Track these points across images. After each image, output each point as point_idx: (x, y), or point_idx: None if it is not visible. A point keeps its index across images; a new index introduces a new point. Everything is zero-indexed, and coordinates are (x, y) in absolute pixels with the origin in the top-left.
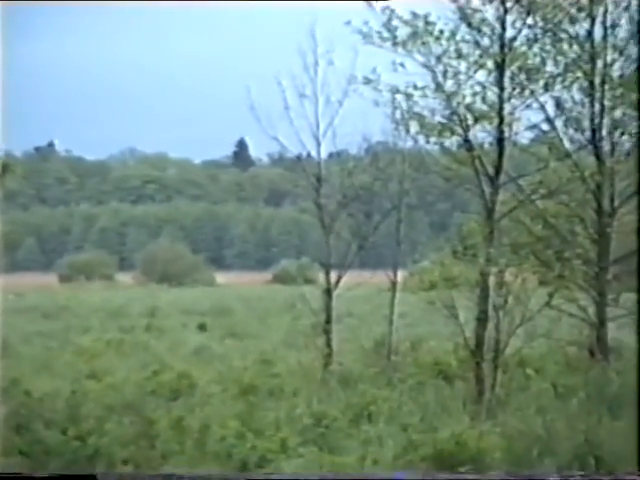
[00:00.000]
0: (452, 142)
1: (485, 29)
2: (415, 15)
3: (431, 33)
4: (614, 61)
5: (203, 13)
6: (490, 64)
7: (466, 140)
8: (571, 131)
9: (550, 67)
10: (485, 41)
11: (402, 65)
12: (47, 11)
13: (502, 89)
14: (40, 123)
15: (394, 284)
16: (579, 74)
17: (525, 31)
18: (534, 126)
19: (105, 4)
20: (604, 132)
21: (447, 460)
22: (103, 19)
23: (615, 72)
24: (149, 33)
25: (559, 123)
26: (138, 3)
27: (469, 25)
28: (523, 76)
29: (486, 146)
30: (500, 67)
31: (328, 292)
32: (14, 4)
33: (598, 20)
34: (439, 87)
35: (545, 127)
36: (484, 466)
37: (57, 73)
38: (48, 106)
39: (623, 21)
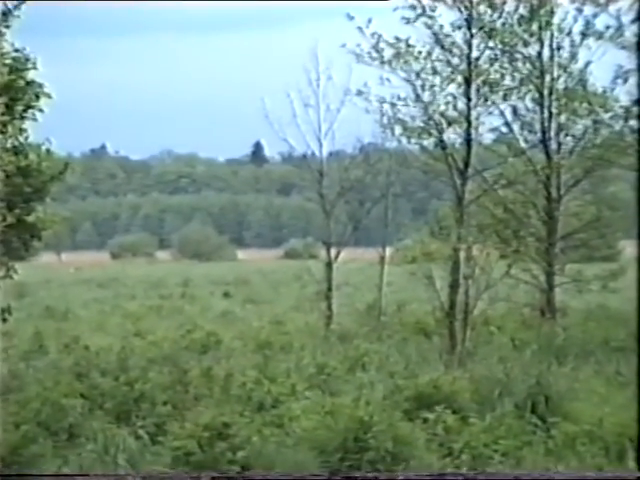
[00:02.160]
0: (429, 142)
1: (455, 50)
2: (398, 39)
3: (411, 54)
4: (559, 76)
5: (227, 40)
6: (459, 79)
7: (441, 141)
8: (525, 133)
9: (508, 81)
10: (455, 60)
11: (388, 80)
12: (99, 41)
13: (469, 99)
14: (95, 129)
15: (382, 259)
16: (531, 87)
17: (487, 52)
18: (495, 129)
19: (146, 34)
20: (552, 133)
21: (426, 400)
22: (142, 45)
23: (560, 85)
24: (182, 58)
25: (515, 126)
26: (173, 34)
27: (442, 47)
28: (486, 88)
29: (457, 145)
30: (467, 81)
31: (329, 265)
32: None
33: (546, 43)
34: (418, 98)
35: (504, 130)
36: (456, 405)
37: (110, 90)
38: (102, 116)
39: (566, 44)
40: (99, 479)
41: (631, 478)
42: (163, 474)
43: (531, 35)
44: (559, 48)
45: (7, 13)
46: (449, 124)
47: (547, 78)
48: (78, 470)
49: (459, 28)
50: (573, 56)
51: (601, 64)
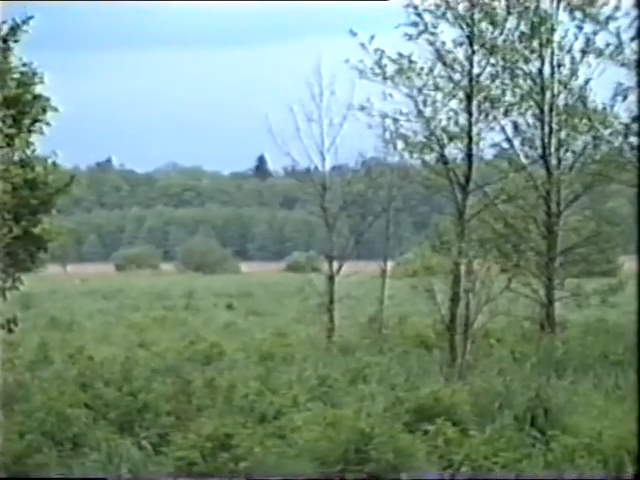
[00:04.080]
0: (431, 157)
1: (457, 66)
2: (401, 55)
3: (414, 70)
4: (559, 93)
5: (232, 55)
6: (461, 94)
7: (442, 156)
8: (526, 148)
9: (509, 97)
10: (457, 76)
11: (390, 95)
12: (106, 55)
13: (470, 115)
14: (101, 143)
15: (384, 272)
16: (532, 103)
17: (489, 68)
18: (496, 144)
19: (147, 52)
20: (552, 149)
21: (426, 412)
22: (148, 60)
23: (560, 102)
24: (187, 72)
25: (516, 142)
26: (179, 49)
27: (444, 63)
28: (487, 104)
29: (458, 160)
30: (469, 97)
31: (331, 278)
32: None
33: (547, 60)
34: (420, 113)
35: (505, 145)
36: (456, 417)
37: (116, 104)
38: (108, 129)
39: (566, 61)
40: None
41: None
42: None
43: (532, 52)
44: (560, 65)
45: (15, 28)
46: (450, 139)
47: (548, 94)
48: None
49: (461, 45)
50: (573, 73)
51: (601, 81)
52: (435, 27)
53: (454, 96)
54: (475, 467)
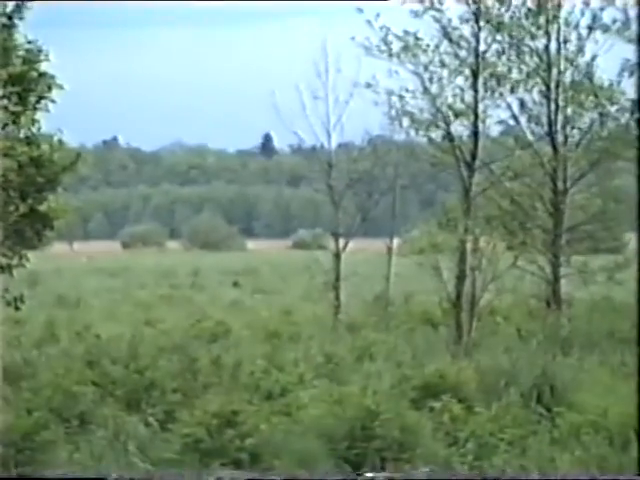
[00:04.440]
0: (437, 135)
1: (463, 43)
2: (407, 32)
3: (420, 46)
4: (566, 69)
5: (238, 33)
6: (467, 71)
7: (448, 133)
8: (532, 125)
9: (515, 74)
10: (463, 53)
11: (396, 72)
12: (112, 33)
13: (477, 92)
14: (107, 121)
15: (390, 249)
16: (538, 80)
17: (495, 45)
18: (502, 121)
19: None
20: (558, 126)
21: (432, 389)
22: (154, 38)
23: (567, 78)
24: (193, 51)
25: (522, 119)
26: (185, 27)
27: (450, 40)
28: (493, 81)
29: (464, 138)
30: (475, 74)
31: (337, 256)
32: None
33: (553, 37)
34: (426, 90)
35: (511, 122)
36: (462, 394)
37: (121, 82)
38: (114, 108)
39: (573, 37)
40: None
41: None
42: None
43: (538, 28)
44: (566, 41)
45: (20, 5)
46: (456, 116)
47: (554, 71)
48: (89, 457)
49: (467, 21)
50: (580, 49)
51: (608, 57)
52: (441, 4)
53: (460, 73)
54: (481, 444)
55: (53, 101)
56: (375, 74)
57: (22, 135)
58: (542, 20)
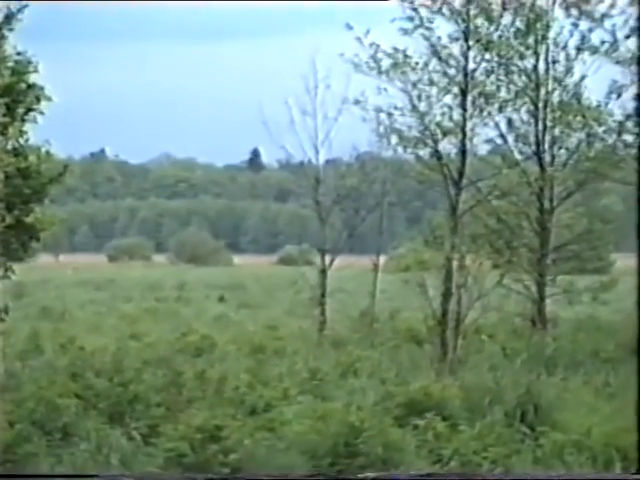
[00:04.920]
0: (425, 152)
1: (452, 62)
2: (396, 49)
3: (409, 64)
4: (554, 89)
5: (226, 47)
6: (456, 90)
7: (436, 151)
8: (520, 145)
9: (503, 93)
10: (452, 71)
11: (385, 89)
12: (100, 46)
13: (465, 110)
14: (94, 134)
15: (376, 266)
16: (526, 99)
17: (484, 64)
18: (490, 140)
19: (145, 43)
20: (546, 146)
21: (417, 407)
22: (143, 51)
23: (555, 98)
24: (182, 64)
25: (510, 138)
26: (173, 41)
27: (439, 58)
28: (482, 100)
29: (452, 156)
30: (463, 92)
31: (323, 272)
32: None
33: (542, 57)
34: (414, 108)
35: (499, 141)
36: (446, 412)
37: (110, 95)
38: (102, 120)
39: (561, 58)
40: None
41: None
42: (158, 476)
43: (527, 48)
44: (554, 62)
45: (10, 16)
46: (444, 134)
47: (542, 91)
48: (71, 470)
49: (456, 40)
50: (568, 70)
51: (596, 78)
52: (431, 22)
53: (449, 91)
54: (464, 462)
55: (42, 113)
56: (364, 91)
57: (10, 146)
58: (531, 40)
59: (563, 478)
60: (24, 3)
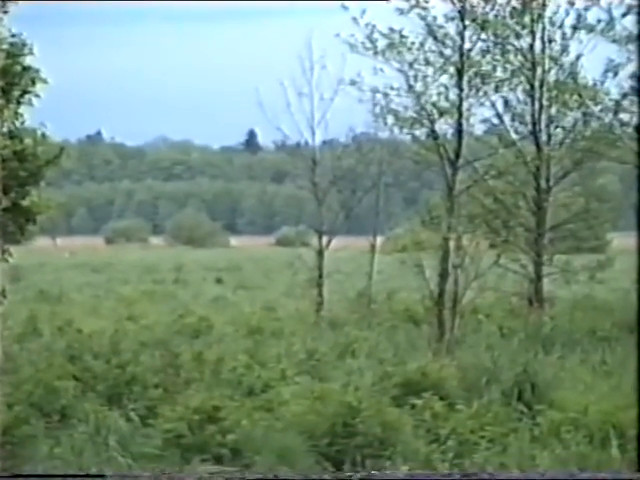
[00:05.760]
0: (421, 133)
1: (448, 42)
2: (392, 30)
3: (405, 44)
4: (550, 69)
5: (222, 29)
6: (452, 70)
7: (432, 131)
8: (516, 124)
9: (499, 73)
10: (448, 51)
11: (381, 70)
12: (96, 28)
13: (461, 90)
14: (91, 116)
15: (373, 247)
16: (522, 79)
17: (480, 44)
18: (486, 120)
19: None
20: (542, 125)
21: (414, 387)
22: (138, 33)
23: (551, 78)
24: (177, 46)
25: (506, 118)
26: (169, 23)
27: (435, 38)
28: (478, 80)
29: (448, 136)
30: (459, 72)
31: (320, 253)
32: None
33: (538, 36)
34: (411, 88)
35: (495, 121)
36: (443, 391)
37: (106, 77)
38: (98, 102)
39: (557, 37)
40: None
41: (633, 478)
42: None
43: (523, 27)
44: (550, 41)
45: None
46: (441, 115)
47: (538, 70)
48: (70, 452)
49: (452, 20)
50: (564, 49)
51: (592, 57)
52: (426, 2)
53: (445, 71)
54: (462, 441)
55: (37, 95)
56: (360, 71)
57: (5, 129)
58: (527, 19)
59: (564, 478)
60: None
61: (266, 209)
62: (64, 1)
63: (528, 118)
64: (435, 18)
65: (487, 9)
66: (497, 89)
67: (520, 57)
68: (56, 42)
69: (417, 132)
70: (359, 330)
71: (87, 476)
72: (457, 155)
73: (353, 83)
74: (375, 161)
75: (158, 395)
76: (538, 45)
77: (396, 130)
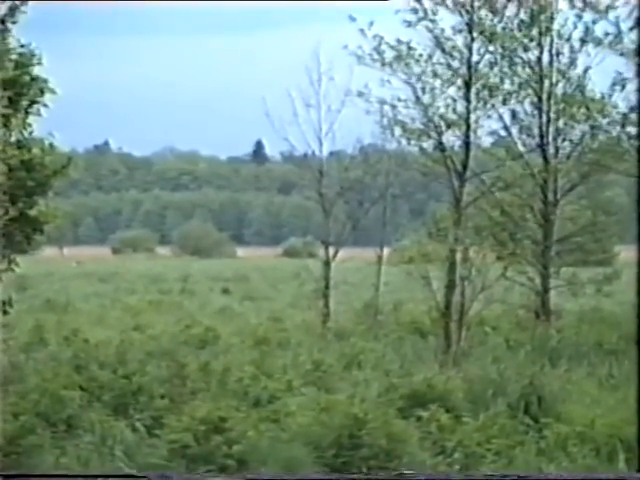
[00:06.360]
0: (428, 144)
1: (455, 54)
2: (399, 41)
3: (412, 56)
4: (558, 81)
5: (230, 40)
6: (459, 82)
7: (440, 143)
8: (523, 137)
9: (507, 85)
10: (455, 63)
11: (389, 82)
12: (104, 39)
13: (469, 102)
14: (99, 126)
15: (380, 258)
16: (530, 91)
17: (487, 56)
18: (494, 132)
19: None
20: (550, 138)
21: (420, 399)
22: (147, 44)
23: (559, 90)
24: (185, 57)
25: (514, 130)
26: (177, 34)
27: (443, 50)
28: (486, 92)
29: (456, 148)
30: (467, 84)
31: (327, 264)
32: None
33: (546, 49)
34: (418, 100)
35: (503, 133)
36: (450, 404)
37: (113, 88)
38: (105, 113)
39: (565, 49)
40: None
41: (633, 478)
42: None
43: (531, 40)
44: (558, 54)
45: (14, 9)
46: (448, 126)
47: (546, 83)
48: (75, 462)
49: (460, 32)
50: (572, 62)
51: (599, 70)
52: (434, 14)
53: (452, 83)
54: (468, 453)
55: (45, 105)
56: (367, 83)
57: (13, 139)
58: (535, 32)
59: (565, 478)
60: None
61: (273, 220)
62: (72, 1)
63: (536, 131)
64: (443, 30)
65: (495, 21)
66: (505, 101)
67: (528, 70)
68: (65, 52)
69: (424, 144)
70: (365, 341)
71: (93, 476)
72: (464, 167)
73: (360, 94)
74: (382, 172)
75: (164, 405)
76: (546, 58)
77: (403, 142)
